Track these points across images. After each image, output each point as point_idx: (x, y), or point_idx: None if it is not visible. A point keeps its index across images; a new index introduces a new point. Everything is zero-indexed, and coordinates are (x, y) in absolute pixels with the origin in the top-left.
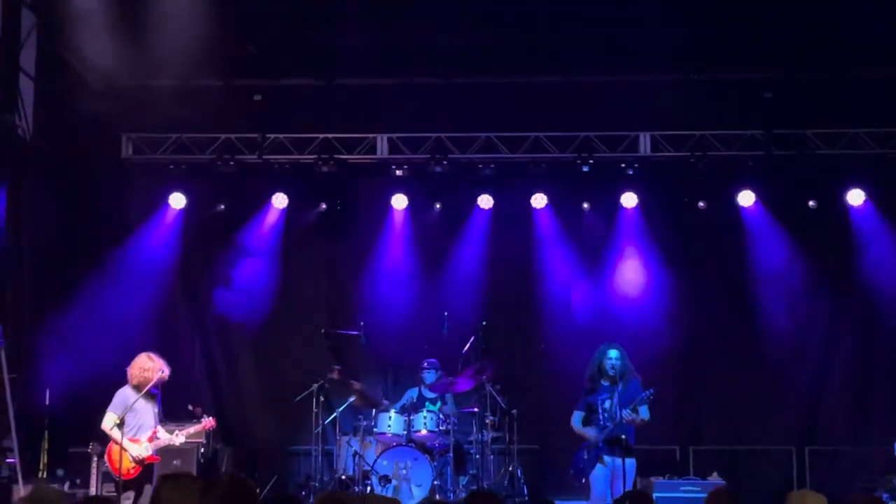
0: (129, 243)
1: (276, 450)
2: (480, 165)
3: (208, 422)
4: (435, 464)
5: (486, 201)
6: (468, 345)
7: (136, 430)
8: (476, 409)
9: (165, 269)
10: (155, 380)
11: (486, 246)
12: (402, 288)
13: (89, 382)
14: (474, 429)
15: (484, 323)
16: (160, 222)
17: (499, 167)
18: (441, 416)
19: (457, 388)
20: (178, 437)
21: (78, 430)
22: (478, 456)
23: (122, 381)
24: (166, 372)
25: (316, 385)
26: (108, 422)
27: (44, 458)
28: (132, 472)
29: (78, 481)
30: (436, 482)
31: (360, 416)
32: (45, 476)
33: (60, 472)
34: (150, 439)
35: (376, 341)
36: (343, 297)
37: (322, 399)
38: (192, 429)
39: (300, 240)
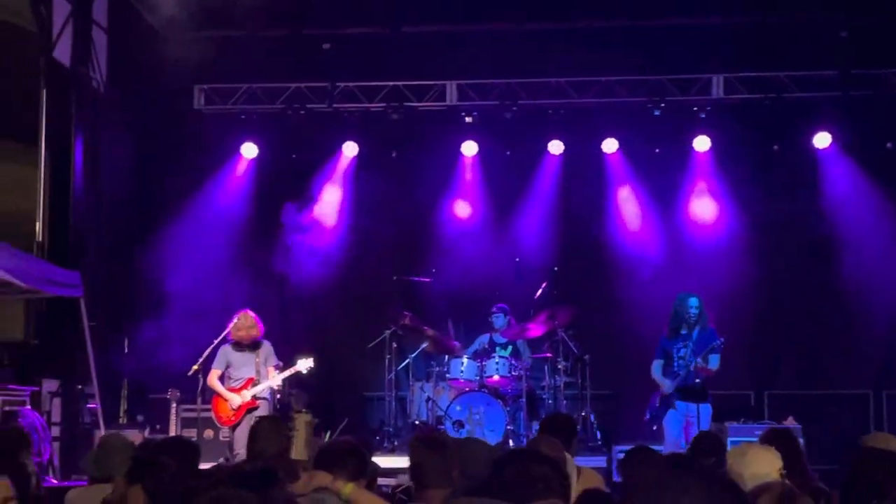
0: (203, 193)
1: (350, 395)
2: (550, 111)
3: (305, 362)
4: (508, 409)
5: (556, 147)
6: (540, 291)
7: (238, 382)
8: (549, 355)
9: (239, 219)
10: (250, 336)
11: (556, 192)
12: (473, 234)
13: (165, 332)
14: (547, 374)
15: (555, 269)
16: (233, 172)
17: (569, 112)
18: (513, 361)
19: (529, 334)
20: (275, 380)
21: (156, 377)
22: (550, 401)
23: (196, 330)
24: (260, 328)
25: (388, 332)
26: (211, 377)
27: (123, 405)
28: (233, 419)
29: (158, 426)
30: (509, 427)
31: (432, 362)
32: (125, 421)
33: (140, 418)
34: (247, 386)
35: (447, 288)
36: (414, 245)
37: (394, 345)
38: (288, 371)
39: (370, 188)
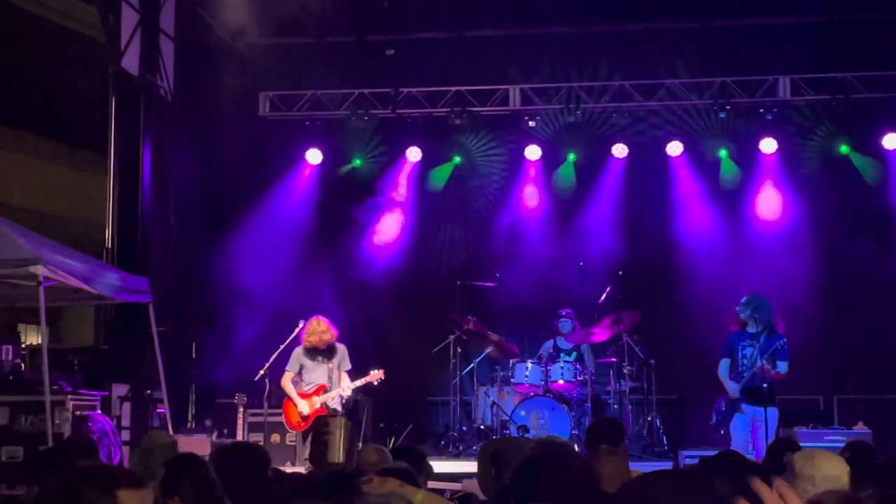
0: (269, 199)
1: (414, 400)
2: (614, 114)
3: (376, 374)
4: (573, 414)
5: (620, 150)
6: (604, 295)
7: (310, 386)
8: (614, 360)
9: (303, 225)
10: (323, 341)
11: (620, 195)
12: (537, 239)
13: (233, 337)
14: (612, 379)
15: (620, 273)
16: (297, 178)
17: (633, 115)
18: (578, 366)
19: (593, 339)
20: (346, 390)
21: (224, 382)
22: (616, 406)
23: (263, 336)
24: (334, 332)
25: (452, 336)
26: (285, 379)
27: (192, 410)
28: (302, 424)
29: (225, 431)
30: (574, 432)
31: (496, 367)
32: (193, 426)
33: (208, 423)
34: (318, 392)
35: (512, 292)
36: (477, 250)
37: (459, 350)
38: (359, 381)
39: (434, 194)
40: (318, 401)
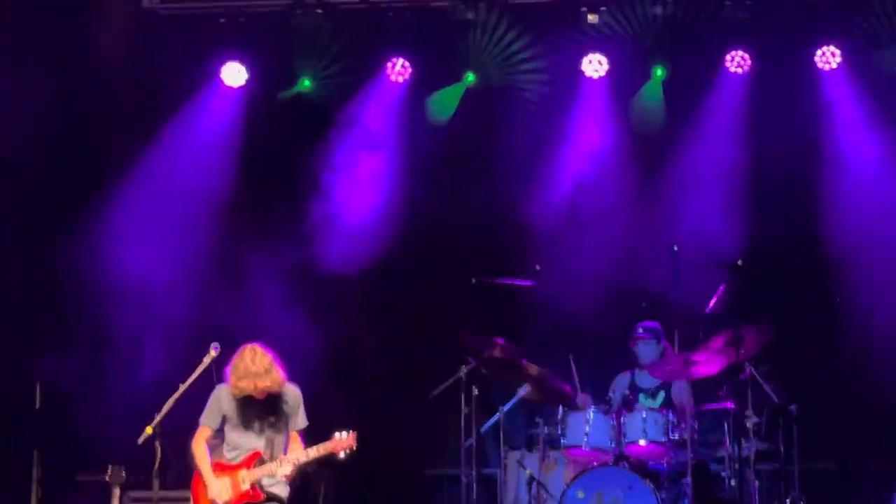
0: (162, 146)
1: (404, 475)
2: (729, 2)
3: (342, 440)
4: (663, 496)
5: (738, 61)
6: (714, 299)
7: (236, 454)
8: (730, 406)
9: (220, 185)
10: (261, 388)
11: (739, 133)
12: (601, 207)
13: (104, 373)
14: (726, 437)
15: (740, 262)
16: (208, 110)
17: (761, 5)
18: (670, 416)
19: (696, 372)
20: (292, 462)
21: (88, 446)
22: (733, 482)
23: (152, 367)
24: (279, 373)
25: (465, 369)
26: (197, 439)
27: (35, 494)
28: None
29: None
30: None
31: (537, 419)
32: None
33: None
34: (248, 463)
35: (560, 295)
36: (502, 227)
37: (475, 392)
38: (315, 450)
39: (434, 132)
40: (246, 478)
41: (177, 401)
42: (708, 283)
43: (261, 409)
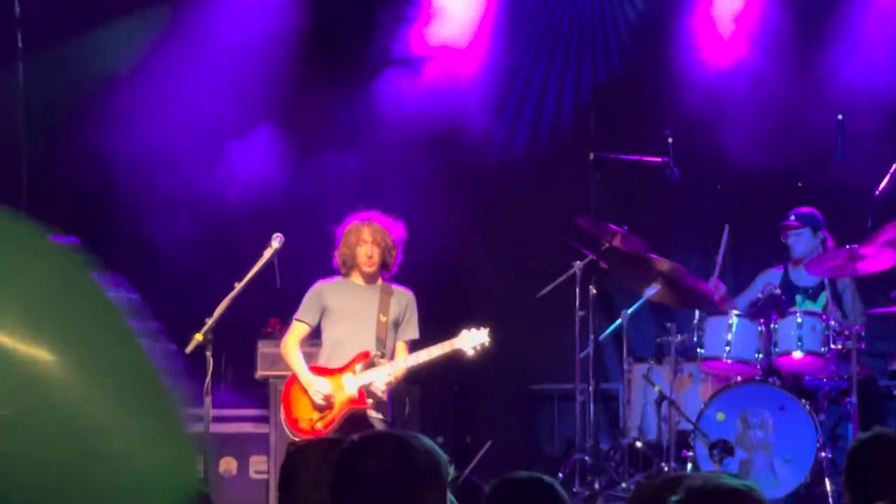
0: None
1: (505, 391)
2: None
3: (476, 336)
4: (822, 418)
5: None
6: (888, 178)
7: (331, 349)
8: None
9: (271, 43)
10: (375, 259)
11: None
12: (747, 66)
13: (143, 268)
14: None
15: None
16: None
17: None
18: (831, 321)
19: (863, 268)
20: (414, 360)
21: None
22: None
23: (196, 265)
24: (396, 240)
25: (579, 264)
26: (288, 340)
27: None
28: (321, 426)
29: None
30: (824, 455)
31: (667, 325)
32: None
33: None
34: (355, 364)
35: (697, 174)
36: (628, 87)
37: (593, 291)
38: (438, 348)
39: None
40: (354, 381)
41: (232, 303)
42: (879, 160)
43: (371, 301)
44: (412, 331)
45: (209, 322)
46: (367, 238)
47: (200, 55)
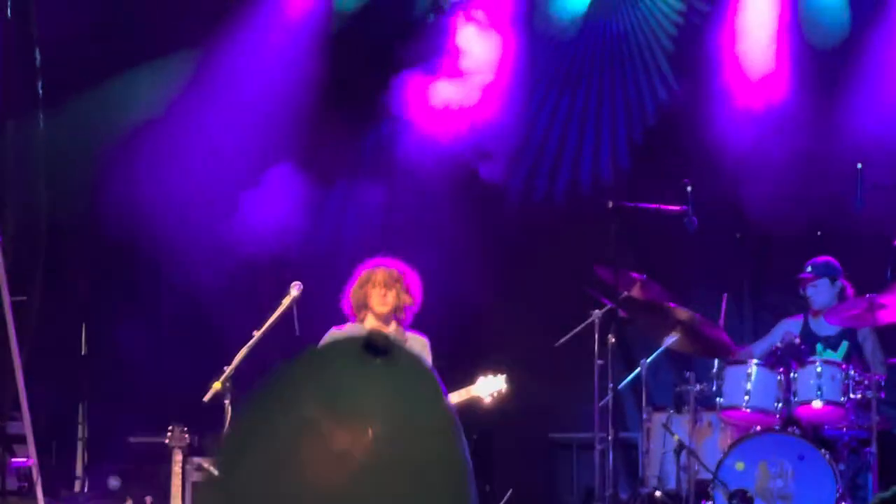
0: (222, 49)
1: (525, 439)
2: None
3: (494, 383)
4: (842, 468)
5: None
6: None
7: None
8: None
9: (290, 96)
10: (390, 304)
11: None
12: (770, 115)
13: (160, 317)
14: None
15: None
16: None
17: None
18: (851, 371)
19: (883, 318)
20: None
21: (141, 404)
22: None
23: (214, 317)
24: (415, 288)
25: (598, 312)
26: None
27: (82, 458)
28: None
29: (148, 500)
30: None
31: (686, 373)
32: (84, 489)
33: (114, 483)
34: None
35: (717, 223)
36: (651, 140)
37: (612, 340)
38: (455, 395)
39: (562, 27)
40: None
41: (251, 351)
42: None
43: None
44: None
45: (228, 370)
46: (379, 280)
47: (223, 103)
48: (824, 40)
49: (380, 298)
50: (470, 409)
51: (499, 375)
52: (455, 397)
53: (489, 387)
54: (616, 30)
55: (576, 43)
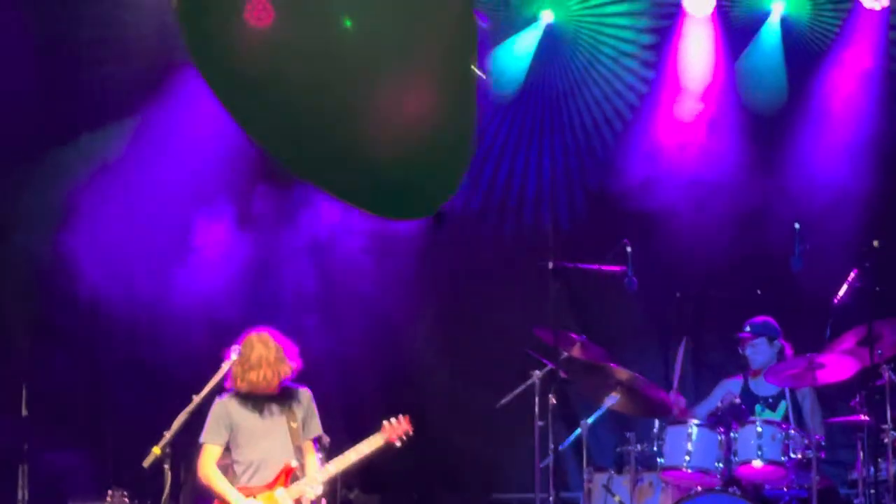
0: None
1: (463, 499)
2: None
3: (395, 427)
4: None
5: None
6: (844, 287)
7: (259, 473)
8: (864, 419)
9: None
10: (269, 380)
11: (873, 86)
12: (707, 176)
13: (99, 377)
14: (860, 457)
15: (876, 243)
16: None
17: None
18: (791, 431)
19: (822, 378)
20: (334, 467)
21: (84, 464)
22: None
23: (156, 377)
24: (291, 359)
25: (538, 373)
26: (204, 462)
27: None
28: None
29: None
30: None
31: (627, 434)
32: None
33: None
34: (280, 480)
35: (656, 284)
36: (589, 199)
37: (553, 401)
38: (364, 446)
39: (504, 86)
40: (286, 494)
41: (190, 416)
42: (835, 269)
43: (277, 412)
44: (316, 427)
45: (167, 436)
46: (264, 358)
47: (160, 168)
48: (762, 104)
49: (264, 382)
50: (415, 468)
51: (401, 418)
52: (365, 447)
53: (395, 430)
54: (556, 91)
55: (515, 106)
